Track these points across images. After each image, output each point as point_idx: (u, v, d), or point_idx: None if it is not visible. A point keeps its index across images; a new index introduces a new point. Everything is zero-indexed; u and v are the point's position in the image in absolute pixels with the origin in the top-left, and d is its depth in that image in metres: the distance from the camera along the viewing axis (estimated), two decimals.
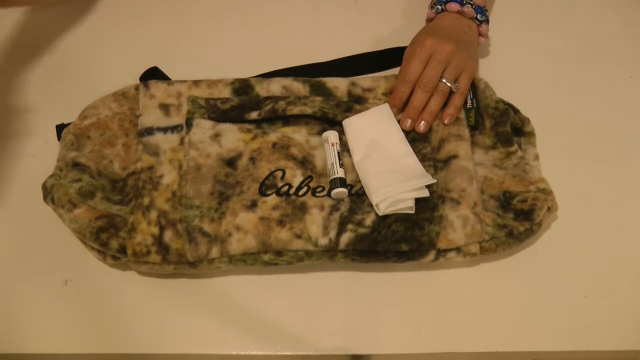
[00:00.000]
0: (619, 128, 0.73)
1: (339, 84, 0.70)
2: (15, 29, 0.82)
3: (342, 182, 0.63)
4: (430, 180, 0.63)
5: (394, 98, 0.68)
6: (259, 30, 0.81)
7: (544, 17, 0.82)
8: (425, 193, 0.62)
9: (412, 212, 0.62)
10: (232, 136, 0.67)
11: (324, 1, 0.84)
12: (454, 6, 0.71)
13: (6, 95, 0.76)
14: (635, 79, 0.77)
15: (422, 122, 0.67)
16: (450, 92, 0.68)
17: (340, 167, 0.64)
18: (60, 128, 0.70)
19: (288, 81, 0.70)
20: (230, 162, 0.65)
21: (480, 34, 0.73)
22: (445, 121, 0.67)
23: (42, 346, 0.62)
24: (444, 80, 0.67)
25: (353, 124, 0.67)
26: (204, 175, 0.64)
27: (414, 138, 0.67)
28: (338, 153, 0.65)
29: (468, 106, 0.69)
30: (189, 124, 0.67)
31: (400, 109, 0.68)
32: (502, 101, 0.69)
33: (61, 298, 0.64)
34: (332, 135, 0.66)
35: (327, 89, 0.70)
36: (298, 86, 0.70)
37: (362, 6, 0.84)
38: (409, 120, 0.67)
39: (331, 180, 0.63)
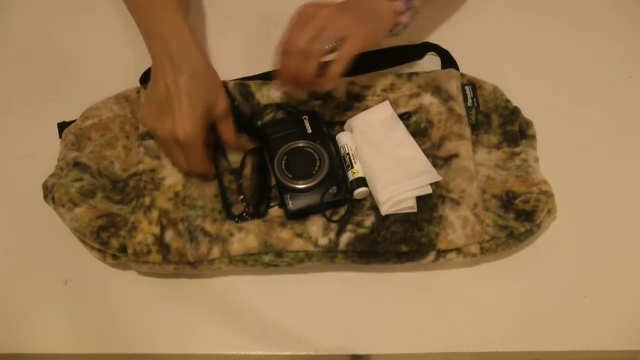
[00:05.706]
0: (619, 128, 0.73)
1: (337, 85, 0.70)
2: (16, 29, 0.82)
3: (359, 182, 0.63)
4: (436, 177, 0.63)
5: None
6: (259, 29, 0.81)
7: (544, 18, 0.82)
8: (428, 190, 0.62)
9: (414, 210, 0.62)
10: None
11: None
12: None
13: (6, 95, 0.76)
14: (635, 79, 0.77)
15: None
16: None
17: (357, 166, 0.64)
18: (62, 126, 0.70)
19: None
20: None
21: (396, 12, 0.64)
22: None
23: (42, 346, 0.62)
24: (318, 44, 0.59)
25: (355, 124, 0.67)
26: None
27: (413, 133, 0.67)
28: (352, 154, 0.65)
29: (469, 104, 0.69)
30: None
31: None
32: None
33: (61, 298, 0.64)
34: (344, 137, 0.66)
35: (327, 90, 0.70)
36: (297, 90, 0.70)
37: None
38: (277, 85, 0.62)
39: (350, 182, 0.64)
